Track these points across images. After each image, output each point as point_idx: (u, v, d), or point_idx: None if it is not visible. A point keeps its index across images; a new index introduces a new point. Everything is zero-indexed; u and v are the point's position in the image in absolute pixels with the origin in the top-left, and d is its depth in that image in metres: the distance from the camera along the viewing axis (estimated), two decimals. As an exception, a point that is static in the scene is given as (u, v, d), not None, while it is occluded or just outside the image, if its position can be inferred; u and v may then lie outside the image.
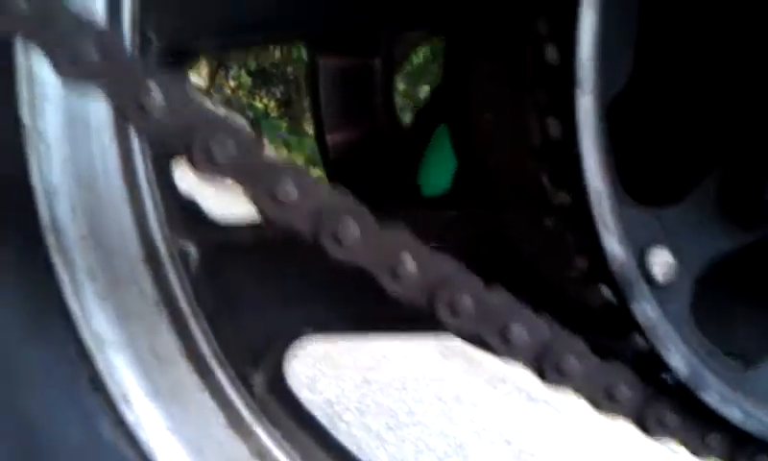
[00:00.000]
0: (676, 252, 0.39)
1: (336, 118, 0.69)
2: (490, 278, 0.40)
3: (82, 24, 0.32)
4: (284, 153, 5.30)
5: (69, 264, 0.45)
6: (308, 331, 0.56)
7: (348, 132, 0.69)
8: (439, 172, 0.65)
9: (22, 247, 0.45)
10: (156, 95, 0.33)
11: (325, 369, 1.45)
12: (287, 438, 0.56)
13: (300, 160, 5.44)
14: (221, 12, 0.48)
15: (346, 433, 1.25)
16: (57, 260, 0.44)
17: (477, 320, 0.38)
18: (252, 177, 0.35)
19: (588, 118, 0.34)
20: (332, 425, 1.24)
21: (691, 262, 0.39)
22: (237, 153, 0.34)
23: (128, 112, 0.33)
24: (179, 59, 0.50)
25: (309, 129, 5.67)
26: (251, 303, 0.54)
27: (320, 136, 0.69)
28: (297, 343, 0.57)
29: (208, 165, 0.34)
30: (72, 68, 0.32)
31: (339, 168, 0.70)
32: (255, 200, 0.36)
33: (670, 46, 0.42)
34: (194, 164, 0.34)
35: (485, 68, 0.49)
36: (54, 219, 0.44)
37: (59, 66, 0.32)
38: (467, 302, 0.38)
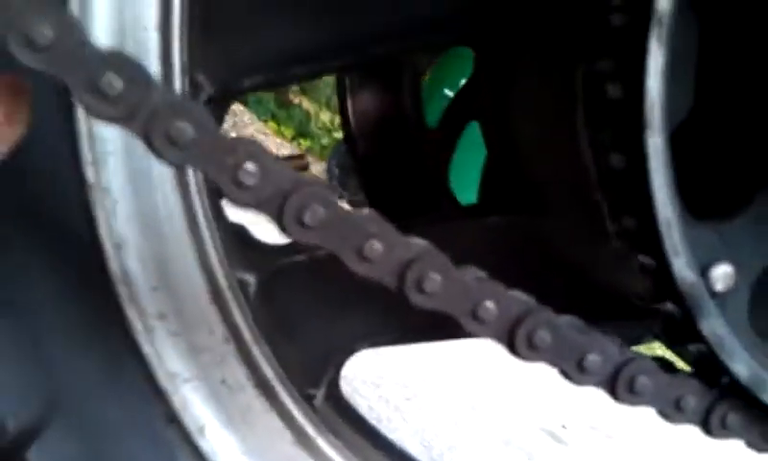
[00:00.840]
0: (735, 263, 0.41)
1: (365, 123, 0.70)
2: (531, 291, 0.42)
3: (173, 103, 0.33)
4: (273, 126, 5.26)
5: (142, 312, 0.46)
6: (363, 345, 0.58)
7: (378, 136, 0.70)
8: (469, 171, 0.66)
9: (94, 301, 0.46)
10: (251, 168, 0.33)
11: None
12: (347, 445, 0.59)
13: (289, 133, 5.41)
14: (273, 44, 0.48)
15: (365, 407, 1.28)
16: (129, 311, 0.46)
17: (552, 351, 0.40)
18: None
19: (657, 157, 0.36)
20: (352, 400, 1.26)
21: (749, 271, 0.41)
22: (326, 216, 0.35)
23: (224, 188, 0.33)
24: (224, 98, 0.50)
25: (296, 100, 5.61)
26: (306, 323, 0.56)
27: (351, 143, 0.70)
28: (352, 357, 0.59)
29: (299, 228, 0.36)
30: (170, 150, 0.32)
31: (371, 174, 0.71)
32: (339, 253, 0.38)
33: (726, 65, 0.43)
34: (284, 228, 0.36)
35: (530, 82, 0.50)
36: (124, 271, 0.45)
37: (155, 149, 0.33)
38: (542, 335, 0.40)
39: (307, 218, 0.35)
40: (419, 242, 0.39)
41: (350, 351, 0.57)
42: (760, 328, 0.44)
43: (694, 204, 0.41)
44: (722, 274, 0.41)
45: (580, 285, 0.51)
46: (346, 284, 0.55)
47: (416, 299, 0.39)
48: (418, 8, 0.48)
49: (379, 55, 0.54)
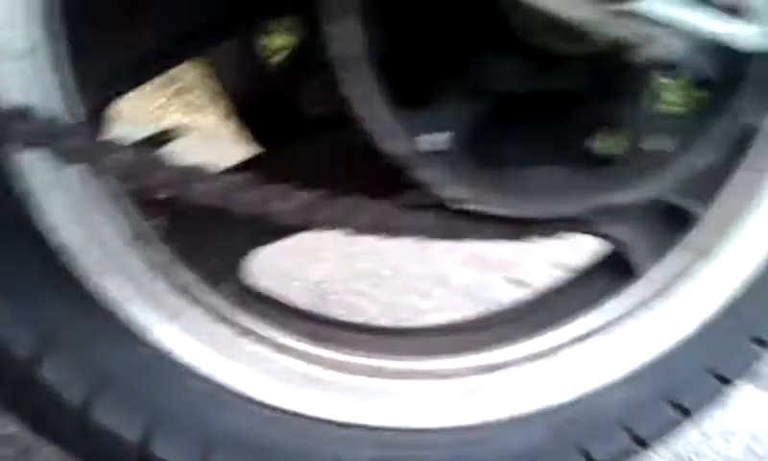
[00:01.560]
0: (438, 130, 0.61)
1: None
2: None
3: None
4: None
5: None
6: (250, 249, 0.78)
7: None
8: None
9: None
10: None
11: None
12: (261, 316, 0.80)
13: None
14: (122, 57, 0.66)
15: (337, 301, 1.52)
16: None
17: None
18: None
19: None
20: (324, 300, 1.51)
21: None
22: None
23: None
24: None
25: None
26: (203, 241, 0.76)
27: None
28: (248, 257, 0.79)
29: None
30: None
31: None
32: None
33: None
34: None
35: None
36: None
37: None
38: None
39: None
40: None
41: (242, 254, 0.78)
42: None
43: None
44: (435, 138, 0.61)
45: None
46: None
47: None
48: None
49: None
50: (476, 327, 0.91)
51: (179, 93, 4.38)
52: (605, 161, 0.66)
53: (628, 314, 0.87)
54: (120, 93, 0.67)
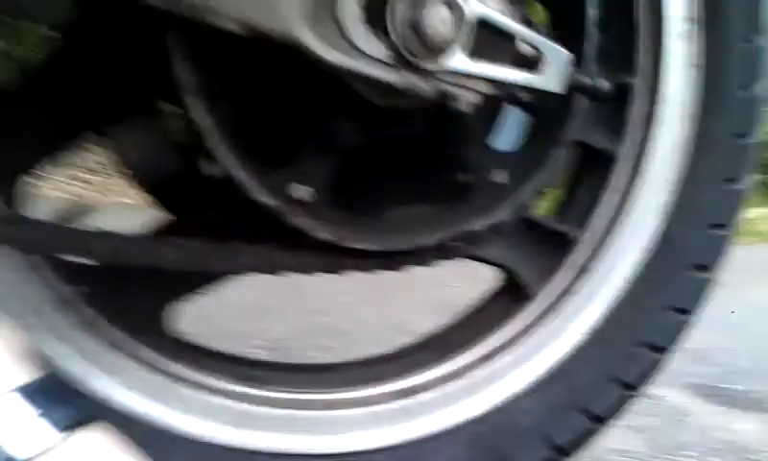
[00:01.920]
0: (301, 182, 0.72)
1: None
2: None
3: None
4: None
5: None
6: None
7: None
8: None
9: None
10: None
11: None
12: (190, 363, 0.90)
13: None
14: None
15: (298, 356, 1.60)
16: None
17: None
18: None
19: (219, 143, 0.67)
20: (287, 356, 1.59)
21: (312, 183, 0.73)
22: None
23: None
24: None
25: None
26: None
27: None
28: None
29: None
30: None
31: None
32: None
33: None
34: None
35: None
36: None
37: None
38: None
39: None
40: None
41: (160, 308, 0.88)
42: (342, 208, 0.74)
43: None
44: (299, 190, 0.72)
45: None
46: None
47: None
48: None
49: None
50: (395, 357, 1.00)
51: (90, 168, 4.53)
52: (459, 195, 0.77)
53: (525, 331, 0.97)
54: (27, 172, 0.77)
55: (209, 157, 0.70)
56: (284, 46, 0.58)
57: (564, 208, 1.02)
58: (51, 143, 0.76)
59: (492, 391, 0.94)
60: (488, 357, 0.96)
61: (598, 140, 0.97)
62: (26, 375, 0.58)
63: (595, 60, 0.90)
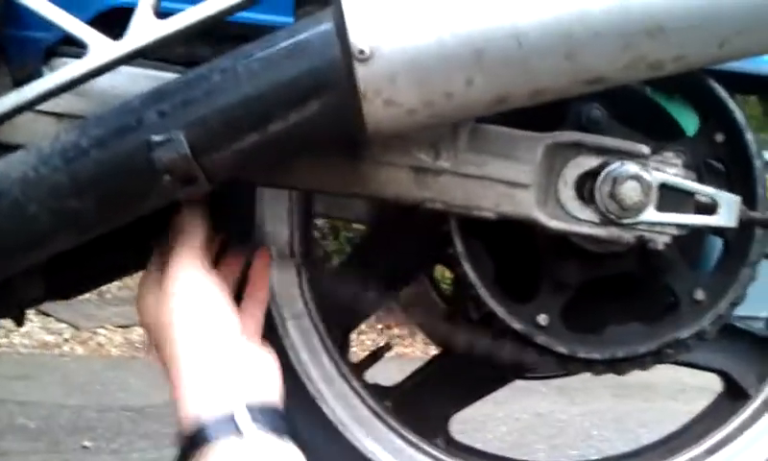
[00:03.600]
0: (545, 313, 0.99)
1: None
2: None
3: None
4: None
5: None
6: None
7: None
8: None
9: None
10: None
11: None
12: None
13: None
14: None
15: None
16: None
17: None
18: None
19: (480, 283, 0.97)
20: None
21: (555, 311, 1.00)
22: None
23: None
24: None
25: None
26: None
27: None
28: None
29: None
30: None
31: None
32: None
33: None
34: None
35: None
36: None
37: None
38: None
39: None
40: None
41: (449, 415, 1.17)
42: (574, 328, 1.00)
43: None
44: (541, 318, 0.99)
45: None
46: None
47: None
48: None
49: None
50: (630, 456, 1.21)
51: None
52: (668, 312, 1.00)
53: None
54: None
55: (477, 303, 1.01)
56: (523, 223, 0.88)
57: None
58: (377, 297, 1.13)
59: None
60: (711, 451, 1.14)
61: None
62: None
63: None
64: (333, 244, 4.39)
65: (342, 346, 1.13)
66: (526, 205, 0.87)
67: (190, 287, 0.77)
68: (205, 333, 0.74)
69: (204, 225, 0.83)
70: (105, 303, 4.58)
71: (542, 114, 0.89)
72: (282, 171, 0.86)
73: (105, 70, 0.80)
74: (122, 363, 3.62)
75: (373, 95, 0.72)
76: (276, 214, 1.06)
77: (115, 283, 4.84)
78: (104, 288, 4.85)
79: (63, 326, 3.92)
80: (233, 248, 0.90)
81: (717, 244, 1.05)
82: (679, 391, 3.01)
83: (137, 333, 3.96)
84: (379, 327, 4.80)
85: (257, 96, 0.74)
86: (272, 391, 0.75)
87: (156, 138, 0.75)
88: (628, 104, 0.99)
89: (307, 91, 0.73)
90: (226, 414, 0.68)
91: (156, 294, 0.79)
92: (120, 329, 4.02)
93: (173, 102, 0.76)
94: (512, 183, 0.88)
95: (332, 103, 0.74)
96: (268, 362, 0.78)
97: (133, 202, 0.80)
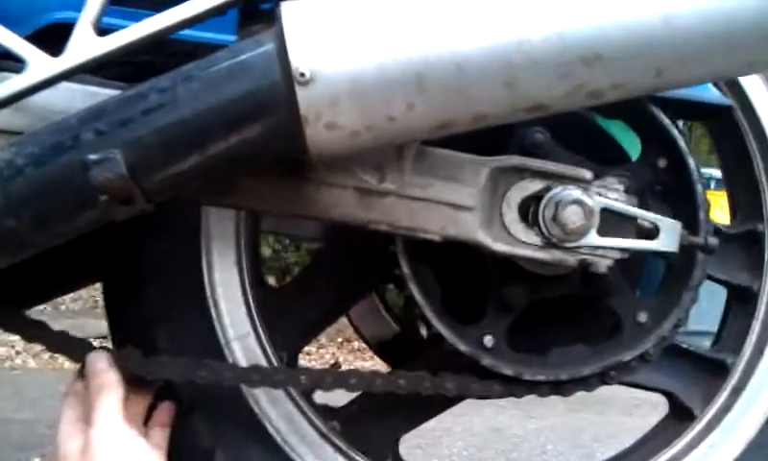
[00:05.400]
0: (490, 333, 1.00)
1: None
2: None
3: None
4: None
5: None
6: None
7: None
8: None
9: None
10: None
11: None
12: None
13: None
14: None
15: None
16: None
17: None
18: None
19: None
20: None
21: (499, 332, 1.00)
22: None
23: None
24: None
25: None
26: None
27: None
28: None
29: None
30: None
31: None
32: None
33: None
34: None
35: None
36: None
37: None
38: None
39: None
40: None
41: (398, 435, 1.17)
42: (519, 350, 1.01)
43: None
44: (486, 339, 1.00)
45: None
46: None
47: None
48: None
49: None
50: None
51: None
52: (611, 334, 1.01)
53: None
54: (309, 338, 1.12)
55: (424, 322, 1.01)
56: (468, 245, 0.89)
57: (720, 339, 1.21)
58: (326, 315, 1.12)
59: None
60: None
61: (743, 279, 1.17)
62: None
63: (734, 214, 1.14)
64: (293, 256, 4.38)
65: (289, 365, 1.11)
66: (470, 227, 0.88)
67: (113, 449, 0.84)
68: None
69: (118, 379, 0.91)
70: (59, 314, 4.50)
71: (487, 138, 0.90)
72: (225, 191, 0.85)
73: (43, 86, 0.79)
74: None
75: (315, 118, 0.72)
76: (222, 233, 1.05)
77: (69, 295, 4.79)
78: (58, 300, 4.77)
79: (15, 338, 3.82)
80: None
81: (661, 267, 1.06)
82: (634, 406, 3.05)
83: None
84: (339, 340, 4.79)
85: (197, 117, 0.73)
86: None
87: (93, 157, 0.73)
88: (572, 128, 1.00)
89: (248, 113, 0.72)
90: None
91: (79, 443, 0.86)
92: (75, 342, 3.92)
93: (110, 121, 0.75)
94: (456, 206, 0.88)
95: (273, 125, 0.73)
96: None
97: (70, 221, 0.78)
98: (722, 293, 1.22)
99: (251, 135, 0.73)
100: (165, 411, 0.97)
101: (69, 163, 0.74)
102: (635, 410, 2.91)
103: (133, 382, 0.93)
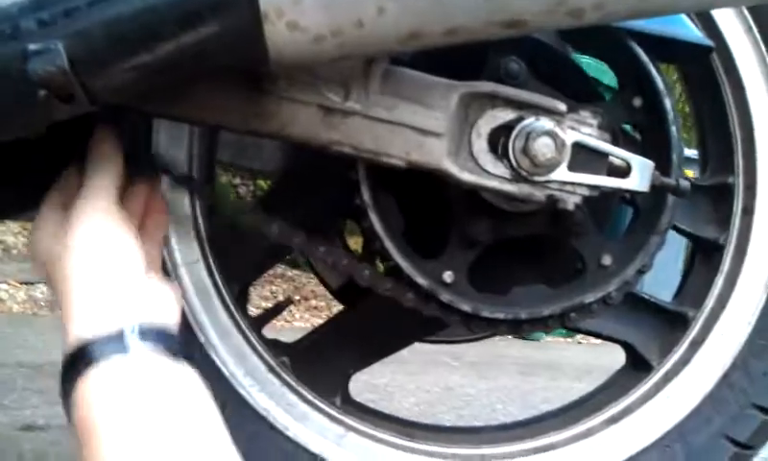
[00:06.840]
0: (451, 269, 0.96)
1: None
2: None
3: None
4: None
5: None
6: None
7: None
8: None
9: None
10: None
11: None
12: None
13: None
14: None
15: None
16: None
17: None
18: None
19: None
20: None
21: (461, 270, 0.96)
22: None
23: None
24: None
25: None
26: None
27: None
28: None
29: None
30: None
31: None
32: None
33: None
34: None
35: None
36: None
37: None
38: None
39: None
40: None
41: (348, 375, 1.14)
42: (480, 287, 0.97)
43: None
44: (446, 275, 0.96)
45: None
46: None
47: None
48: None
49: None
50: (530, 422, 1.20)
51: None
52: (574, 276, 0.98)
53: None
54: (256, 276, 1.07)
55: (383, 255, 0.96)
56: (435, 173, 0.84)
57: (682, 292, 1.20)
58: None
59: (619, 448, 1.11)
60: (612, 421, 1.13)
61: (710, 233, 1.15)
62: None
63: (702, 164, 1.12)
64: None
65: (239, 298, 1.07)
66: (437, 154, 0.83)
67: (94, 225, 0.71)
68: (103, 264, 0.69)
69: (119, 158, 0.78)
70: (10, 258, 4.36)
71: (460, 65, 0.85)
72: (175, 100, 0.79)
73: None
74: (22, 320, 3.45)
75: (276, 16, 0.66)
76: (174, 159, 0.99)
77: (21, 239, 4.64)
78: (10, 243, 4.62)
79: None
80: (139, 176, 0.83)
81: (627, 211, 1.04)
82: (585, 372, 3.07)
83: (41, 291, 3.77)
84: (297, 298, 4.75)
85: (146, 10, 0.66)
86: (168, 318, 0.68)
87: (33, 47, 0.67)
88: (548, 63, 0.97)
89: (202, 8, 0.66)
90: (113, 332, 0.63)
91: (57, 225, 0.74)
92: (24, 286, 3.82)
93: (54, 10, 0.68)
94: (423, 131, 0.83)
95: (230, 23, 0.67)
96: (166, 293, 0.72)
97: (8, 119, 0.71)
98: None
99: (205, 33, 0.67)
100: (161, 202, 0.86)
101: (7, 54, 0.67)
102: (585, 376, 2.93)
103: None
